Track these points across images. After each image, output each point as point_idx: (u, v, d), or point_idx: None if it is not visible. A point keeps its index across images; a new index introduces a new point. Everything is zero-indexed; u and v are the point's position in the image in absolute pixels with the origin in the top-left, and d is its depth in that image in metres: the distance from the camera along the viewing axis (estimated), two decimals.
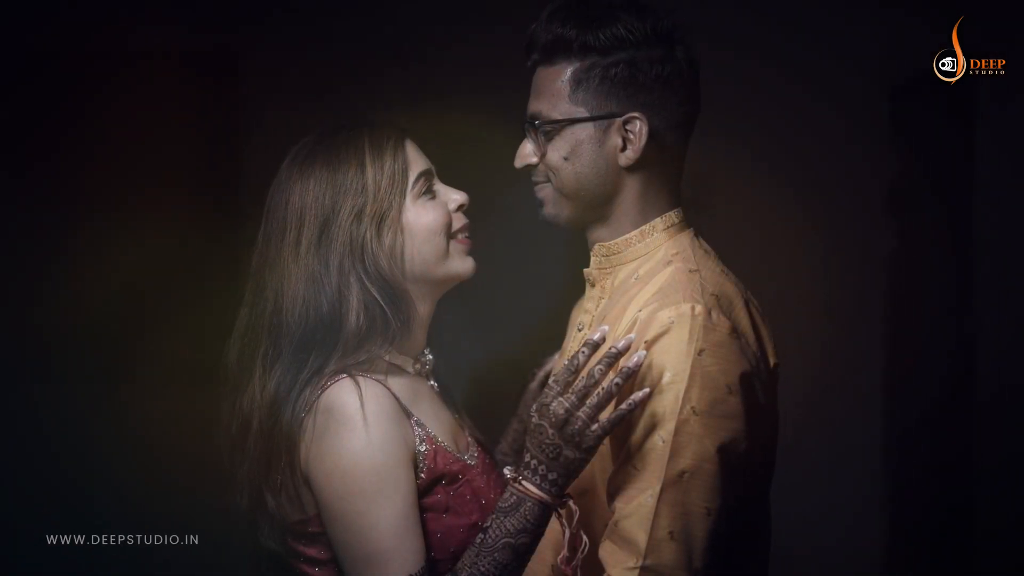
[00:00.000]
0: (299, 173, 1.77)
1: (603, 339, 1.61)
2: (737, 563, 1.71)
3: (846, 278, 3.70)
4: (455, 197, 1.84)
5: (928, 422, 3.65)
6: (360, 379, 1.69)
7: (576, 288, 2.05)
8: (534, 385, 2.13)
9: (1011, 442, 3.10)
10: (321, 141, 1.80)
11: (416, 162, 1.80)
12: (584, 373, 1.60)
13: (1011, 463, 3.10)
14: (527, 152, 1.80)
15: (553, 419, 1.58)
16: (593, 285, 1.86)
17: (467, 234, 1.85)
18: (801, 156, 3.64)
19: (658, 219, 1.79)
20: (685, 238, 1.80)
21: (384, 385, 1.72)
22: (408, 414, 1.74)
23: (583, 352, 1.60)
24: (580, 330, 1.86)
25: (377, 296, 1.73)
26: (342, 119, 1.83)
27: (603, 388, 1.57)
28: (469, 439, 1.90)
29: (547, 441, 1.59)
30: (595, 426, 1.57)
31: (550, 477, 1.60)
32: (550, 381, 1.61)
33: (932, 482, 3.66)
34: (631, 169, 1.76)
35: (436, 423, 1.80)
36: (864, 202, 3.84)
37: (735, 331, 1.65)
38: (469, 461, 1.82)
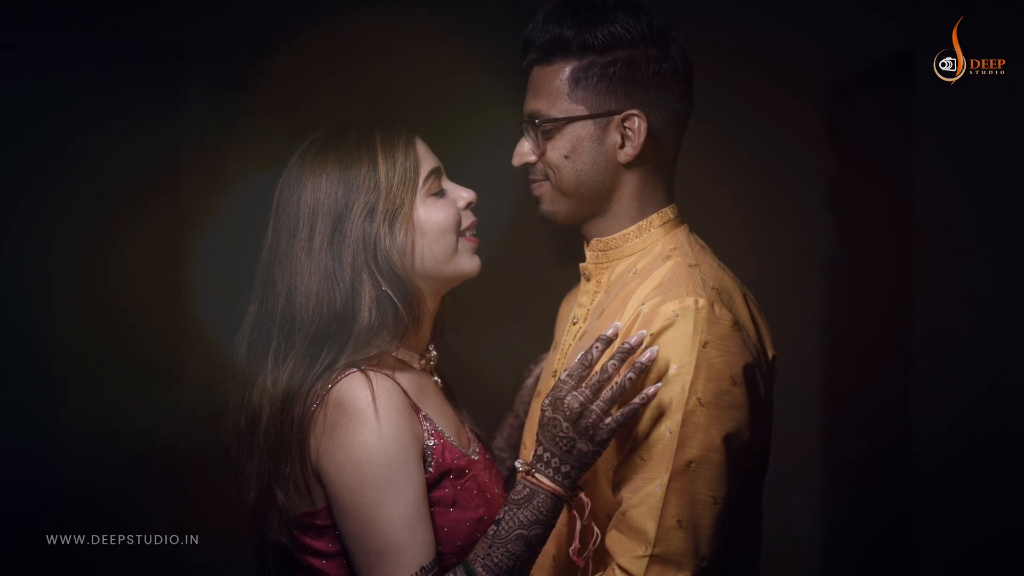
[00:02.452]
0: (310, 170, 1.78)
1: (616, 335, 1.65)
2: (736, 551, 1.75)
3: (785, 277, 3.76)
4: (463, 195, 1.87)
5: (867, 419, 3.70)
6: (371, 373, 1.71)
7: (568, 283, 2.09)
8: (529, 381, 2.16)
9: (948, 439, 3.15)
10: (331, 138, 1.81)
11: (426, 160, 1.82)
12: (597, 368, 1.64)
13: (948, 461, 3.15)
14: (525, 150, 1.83)
15: (568, 412, 1.61)
16: (588, 279, 1.89)
17: (474, 232, 1.88)
18: (740, 155, 3.69)
19: (655, 215, 1.83)
20: (681, 233, 1.84)
21: (393, 380, 1.74)
22: (416, 409, 1.77)
23: (596, 347, 1.64)
24: (575, 323, 1.89)
25: (390, 292, 1.75)
26: (349, 116, 1.85)
27: (617, 383, 1.61)
28: (470, 434, 1.93)
29: (561, 434, 1.62)
30: (608, 419, 1.61)
31: (563, 470, 1.63)
32: (563, 375, 1.64)
33: (871, 480, 3.72)
34: (629, 166, 1.79)
35: (442, 418, 1.83)
36: (803, 201, 3.89)
37: (737, 324, 1.69)
38: (473, 456, 1.85)
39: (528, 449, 1.91)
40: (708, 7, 3.52)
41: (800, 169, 3.94)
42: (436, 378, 1.91)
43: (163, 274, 3.59)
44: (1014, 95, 2.83)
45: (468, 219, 1.87)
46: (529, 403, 2.11)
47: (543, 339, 2.16)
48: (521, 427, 2.14)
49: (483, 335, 3.11)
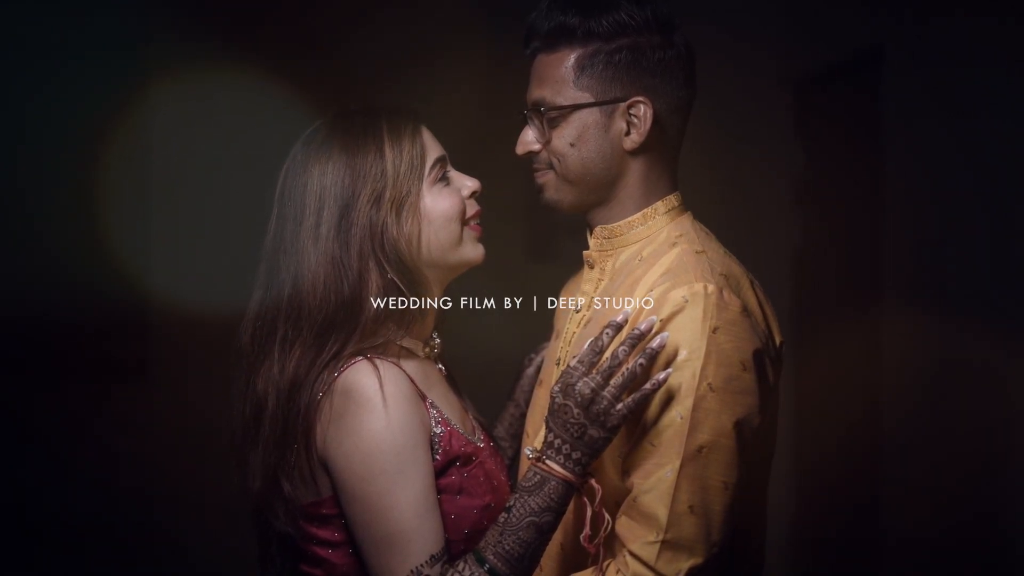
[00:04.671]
0: (316, 157, 1.77)
1: (626, 321, 1.65)
2: (744, 538, 1.75)
3: (752, 271, 3.77)
4: (468, 184, 1.86)
5: (836, 413, 3.72)
6: (377, 361, 1.71)
7: (566, 272, 2.09)
8: (530, 370, 2.16)
9: (916, 434, 3.17)
10: (336, 125, 1.80)
11: (432, 148, 1.82)
12: (608, 354, 1.64)
13: (918, 455, 3.17)
14: (529, 139, 1.82)
15: (579, 399, 1.61)
16: (592, 267, 1.88)
17: (478, 220, 1.87)
18: (707, 148, 3.70)
19: (659, 202, 1.83)
20: (686, 220, 1.84)
21: (399, 368, 1.73)
22: (423, 396, 1.76)
23: (607, 333, 1.64)
24: (577, 311, 1.89)
25: (396, 280, 1.75)
26: (353, 104, 1.84)
27: (627, 368, 1.61)
28: (474, 422, 1.92)
29: (572, 420, 1.62)
30: (620, 405, 1.61)
31: (574, 456, 1.62)
32: (574, 362, 1.64)
33: (839, 475, 3.74)
34: (635, 153, 1.79)
35: (447, 406, 1.82)
36: (771, 194, 3.91)
37: (745, 309, 1.69)
38: (478, 443, 1.84)
39: (530, 438, 1.90)
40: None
41: (768, 162, 3.95)
42: (440, 366, 1.91)
43: (128, 263, 3.55)
44: (985, 88, 2.86)
45: (472, 208, 1.87)
46: (529, 392, 2.10)
47: (540, 329, 2.16)
48: (522, 416, 2.13)
49: (478, 324, 3.12)
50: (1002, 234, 2.81)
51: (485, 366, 2.64)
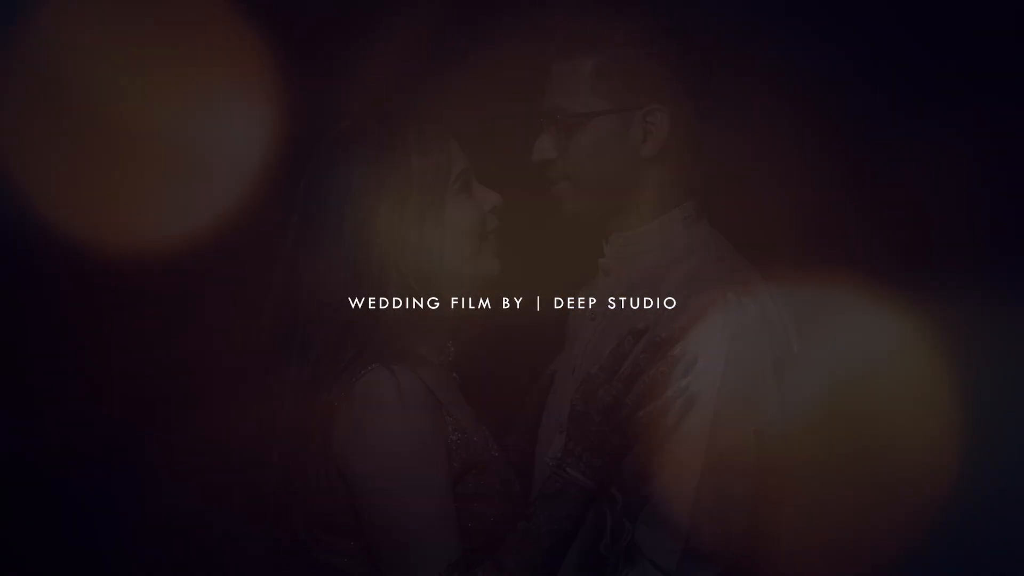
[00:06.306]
0: (341, 158, 1.76)
1: (647, 328, 1.64)
2: (762, 545, 1.76)
3: None
4: (490, 198, 1.84)
5: (833, 415, 3.71)
6: (396, 367, 1.69)
7: (573, 281, 2.08)
8: (539, 383, 2.14)
9: (914, 435, 3.17)
10: (365, 127, 1.78)
11: (458, 159, 1.80)
12: (629, 362, 1.63)
13: (914, 457, 3.17)
14: (545, 147, 1.82)
15: (600, 406, 1.61)
16: (608, 275, 1.88)
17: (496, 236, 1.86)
18: (704, 151, 3.71)
19: (676, 210, 1.83)
20: (704, 228, 1.84)
21: (417, 374, 1.72)
22: (439, 403, 1.75)
23: (628, 340, 1.63)
24: (593, 319, 1.89)
25: (416, 287, 1.74)
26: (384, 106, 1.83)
27: (648, 376, 1.61)
28: (486, 431, 1.91)
29: (593, 428, 1.61)
30: (641, 412, 1.60)
31: (595, 464, 1.62)
32: (595, 369, 1.64)
33: (835, 480, 3.72)
34: (652, 160, 1.79)
35: (462, 414, 1.81)
36: (767, 197, 3.89)
37: (765, 317, 1.70)
38: (493, 452, 1.84)
39: (544, 447, 1.90)
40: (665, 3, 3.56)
41: (765, 165, 3.93)
42: (454, 374, 1.90)
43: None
44: (984, 87, 2.86)
45: (492, 222, 1.85)
46: (539, 404, 2.09)
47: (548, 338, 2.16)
48: (528, 430, 2.12)
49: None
50: (1000, 238, 2.82)
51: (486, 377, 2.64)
